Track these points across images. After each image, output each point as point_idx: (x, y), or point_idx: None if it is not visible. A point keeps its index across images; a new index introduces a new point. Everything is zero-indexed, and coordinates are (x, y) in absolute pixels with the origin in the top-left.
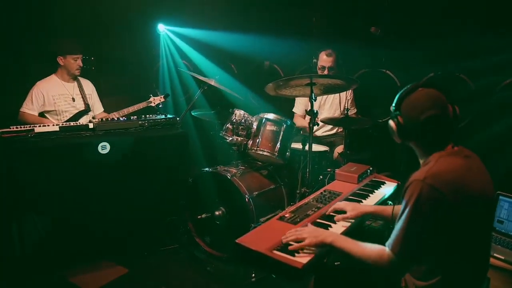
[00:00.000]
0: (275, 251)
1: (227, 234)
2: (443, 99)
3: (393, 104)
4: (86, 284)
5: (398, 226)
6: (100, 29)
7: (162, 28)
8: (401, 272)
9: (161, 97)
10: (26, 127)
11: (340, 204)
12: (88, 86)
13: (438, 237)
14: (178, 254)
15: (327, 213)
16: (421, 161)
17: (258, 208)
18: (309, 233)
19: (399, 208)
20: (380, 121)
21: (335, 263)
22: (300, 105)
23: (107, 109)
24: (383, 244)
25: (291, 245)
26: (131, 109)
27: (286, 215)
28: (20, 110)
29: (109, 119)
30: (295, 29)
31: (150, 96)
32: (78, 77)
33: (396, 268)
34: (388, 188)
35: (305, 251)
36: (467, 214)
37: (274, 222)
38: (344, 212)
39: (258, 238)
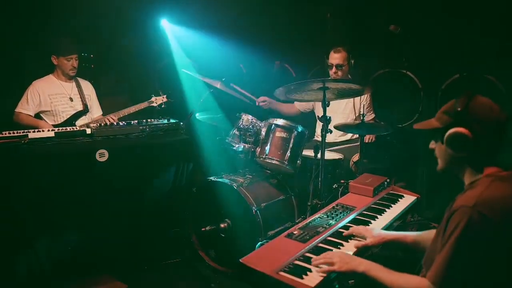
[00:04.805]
0: (281, 273)
1: (233, 248)
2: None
3: (457, 110)
4: None
5: (441, 256)
6: (99, 25)
7: (166, 24)
8: None
9: (163, 97)
10: (20, 133)
11: (360, 229)
12: (87, 87)
13: (483, 269)
14: (180, 269)
15: (344, 234)
16: (466, 181)
17: (266, 221)
18: (340, 257)
19: (431, 234)
20: (400, 126)
21: (349, 282)
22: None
23: (107, 110)
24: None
25: (298, 266)
26: (131, 109)
27: (295, 232)
28: (15, 110)
29: (107, 123)
30: (308, 26)
31: (152, 96)
32: (77, 78)
33: None
34: (406, 203)
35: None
36: None
37: (282, 239)
38: (364, 238)
39: (264, 257)
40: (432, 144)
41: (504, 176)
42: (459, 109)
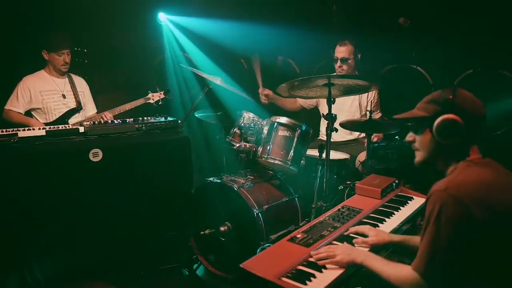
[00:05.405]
0: (283, 278)
1: (233, 253)
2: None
3: (447, 98)
4: None
5: (422, 243)
6: (94, 18)
7: (163, 17)
8: None
9: (160, 93)
10: (9, 131)
11: (364, 228)
12: (81, 84)
13: (465, 257)
14: (178, 274)
15: (346, 233)
16: (448, 172)
17: (268, 224)
18: (342, 250)
19: None
20: (409, 124)
21: None
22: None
23: (102, 107)
24: None
25: (302, 271)
26: (127, 106)
27: (298, 236)
28: (5, 108)
29: (102, 121)
30: (312, 20)
31: (149, 93)
32: (70, 74)
33: None
34: (416, 205)
35: (331, 266)
36: (498, 235)
37: (284, 243)
38: (366, 236)
39: (265, 262)
40: (410, 137)
41: (480, 162)
42: (450, 97)
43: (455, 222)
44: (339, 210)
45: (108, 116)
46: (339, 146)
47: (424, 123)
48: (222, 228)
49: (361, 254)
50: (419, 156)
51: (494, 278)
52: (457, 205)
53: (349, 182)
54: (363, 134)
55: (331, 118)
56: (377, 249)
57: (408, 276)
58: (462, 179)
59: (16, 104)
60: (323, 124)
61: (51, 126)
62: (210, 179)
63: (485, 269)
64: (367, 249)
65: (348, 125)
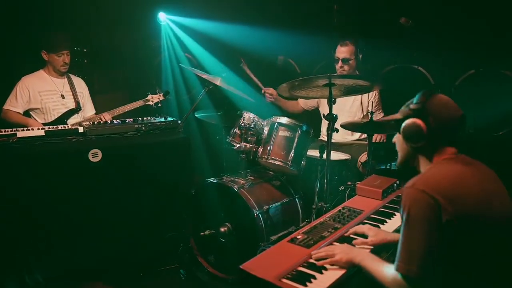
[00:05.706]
0: (284, 280)
1: (233, 254)
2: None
3: (416, 102)
4: None
5: (399, 244)
6: (93, 18)
7: (163, 17)
8: None
9: (160, 95)
10: (8, 131)
11: (363, 228)
12: (80, 84)
13: (443, 253)
14: (178, 275)
15: (346, 234)
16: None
17: (269, 225)
18: (341, 249)
19: None
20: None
21: None
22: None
23: (101, 108)
24: None
25: (302, 273)
26: (126, 108)
27: (298, 237)
28: (3, 107)
29: (101, 122)
30: (313, 19)
31: (148, 94)
32: (70, 74)
33: None
34: None
35: (332, 268)
36: (473, 228)
37: (284, 244)
38: (366, 237)
39: (266, 264)
40: (395, 138)
41: (452, 158)
42: (419, 101)
43: (425, 216)
44: (339, 211)
45: (107, 117)
46: (340, 146)
47: (399, 126)
48: (222, 229)
49: (359, 253)
50: (398, 158)
51: (474, 273)
52: (426, 198)
53: (350, 183)
54: (364, 135)
55: (331, 118)
56: (378, 249)
57: (393, 277)
58: (430, 174)
59: (15, 104)
60: (324, 124)
61: (50, 126)
62: (210, 179)
63: (464, 264)
64: (368, 249)
65: (349, 127)
